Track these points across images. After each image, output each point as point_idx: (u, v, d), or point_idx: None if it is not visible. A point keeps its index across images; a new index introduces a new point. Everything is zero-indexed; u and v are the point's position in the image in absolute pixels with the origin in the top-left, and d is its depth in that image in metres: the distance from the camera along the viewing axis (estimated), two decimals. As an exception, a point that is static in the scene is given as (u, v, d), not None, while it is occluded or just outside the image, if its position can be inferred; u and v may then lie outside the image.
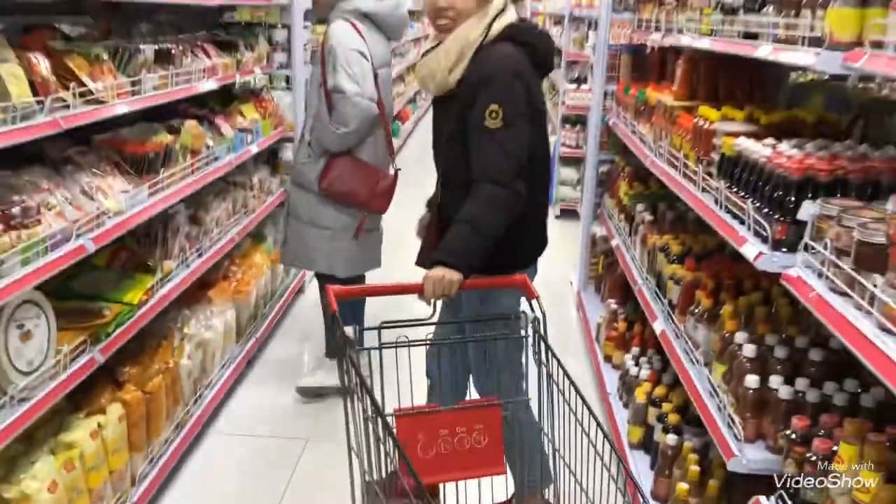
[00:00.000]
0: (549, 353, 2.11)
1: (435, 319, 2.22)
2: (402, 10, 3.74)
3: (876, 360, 1.48)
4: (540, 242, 2.78)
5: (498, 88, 2.37)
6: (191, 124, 3.62)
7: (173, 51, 3.42)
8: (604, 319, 4.21)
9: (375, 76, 3.54)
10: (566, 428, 2.06)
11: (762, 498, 2.05)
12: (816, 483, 1.81)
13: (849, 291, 1.67)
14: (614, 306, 4.17)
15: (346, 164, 3.56)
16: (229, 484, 3.25)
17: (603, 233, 5.08)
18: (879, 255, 1.57)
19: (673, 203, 3.78)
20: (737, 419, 2.27)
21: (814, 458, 1.86)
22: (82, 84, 2.68)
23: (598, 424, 1.97)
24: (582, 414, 1.99)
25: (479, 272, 2.35)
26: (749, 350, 2.30)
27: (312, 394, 3.90)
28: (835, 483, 1.74)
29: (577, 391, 2.02)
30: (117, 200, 2.84)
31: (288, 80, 5.14)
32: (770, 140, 2.32)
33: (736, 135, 2.49)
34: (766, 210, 2.13)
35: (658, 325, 3.13)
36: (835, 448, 1.80)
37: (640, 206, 3.88)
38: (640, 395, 3.24)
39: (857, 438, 1.72)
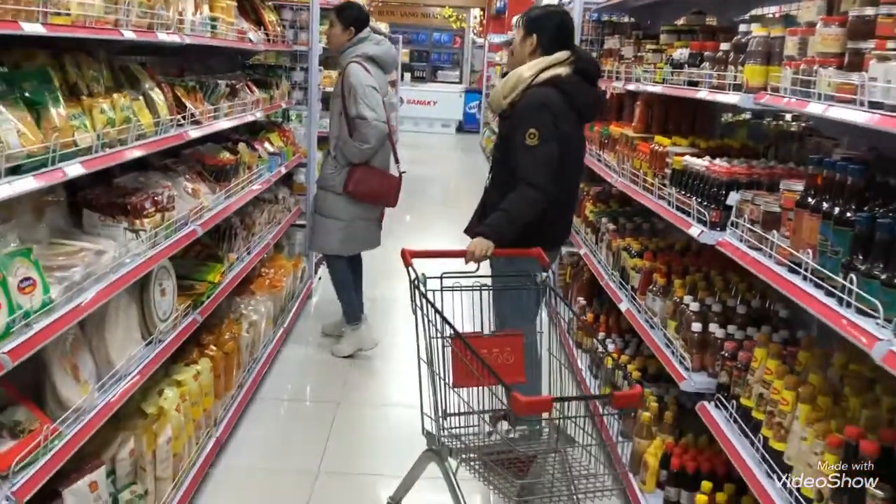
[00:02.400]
0: (557, 298, 2.99)
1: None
2: (393, 51, 5.06)
3: (776, 280, 2.38)
4: (565, 231, 3.77)
5: (536, 117, 3.28)
6: (243, 146, 4.44)
7: (237, 86, 4.24)
8: (573, 315, 5.10)
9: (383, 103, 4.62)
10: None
11: (705, 402, 2.94)
12: (741, 380, 2.70)
13: (759, 245, 2.58)
14: (583, 303, 5.06)
15: (364, 171, 4.67)
16: (280, 433, 4.00)
17: (568, 250, 6.00)
18: (776, 218, 2.48)
19: (631, 216, 4.71)
20: (686, 356, 3.15)
21: (739, 365, 2.75)
22: (185, 108, 3.49)
23: (593, 340, 2.83)
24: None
25: (511, 245, 3.23)
26: (695, 306, 3.20)
27: (348, 352, 4.94)
28: (752, 375, 2.63)
29: (578, 318, 2.92)
30: (208, 200, 3.63)
31: (298, 116, 6.00)
32: (707, 157, 3.25)
33: (683, 154, 3.42)
34: (705, 203, 3.05)
35: (623, 306, 4.02)
36: (752, 359, 2.69)
37: (604, 219, 4.79)
38: (608, 363, 4.11)
39: (765, 343, 2.62)
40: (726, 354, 2.87)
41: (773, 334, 2.87)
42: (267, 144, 5.12)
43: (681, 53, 3.69)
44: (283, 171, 5.14)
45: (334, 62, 7.85)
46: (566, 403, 2.58)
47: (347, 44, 4.74)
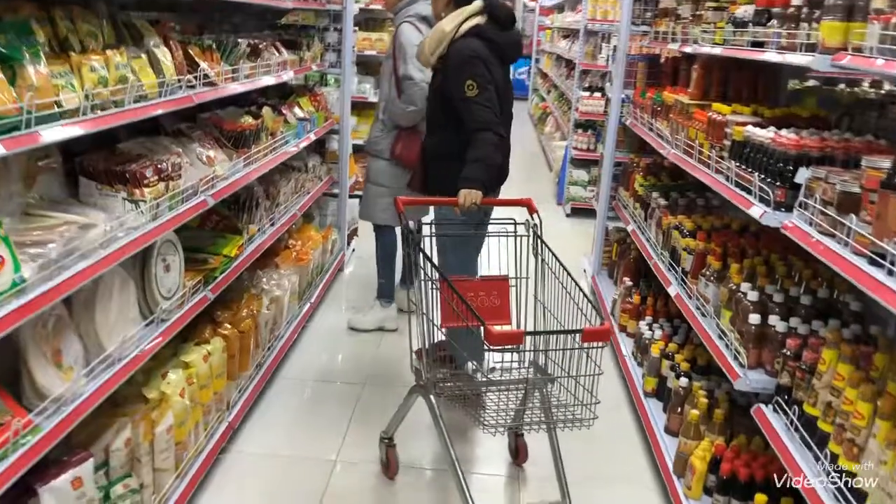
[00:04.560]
0: (544, 246, 3.14)
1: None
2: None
3: (854, 274, 2.03)
4: (503, 174, 3.82)
5: (468, 68, 3.43)
6: (267, 110, 4.17)
7: (260, 45, 3.96)
8: (619, 296, 4.76)
9: None
10: (554, 295, 3.02)
11: (762, 405, 2.60)
12: (805, 383, 2.36)
13: (833, 231, 2.22)
14: (629, 284, 4.72)
15: (411, 136, 4.38)
16: (300, 418, 3.77)
17: (615, 225, 5.65)
18: (854, 201, 2.12)
19: (684, 191, 4.34)
20: (742, 351, 2.81)
21: (803, 366, 2.41)
22: (198, 68, 3.23)
23: (577, 286, 2.87)
24: (567, 282, 2.93)
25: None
26: (753, 296, 2.85)
27: (368, 327, 4.73)
28: (818, 380, 2.29)
29: (562, 265, 2.97)
30: (223, 168, 3.37)
31: (337, 80, 5.71)
32: (772, 128, 2.88)
33: (744, 124, 3.05)
34: (769, 180, 2.68)
35: (673, 290, 3.68)
36: (819, 360, 2.35)
37: (655, 194, 4.43)
38: (654, 351, 3.78)
39: (836, 343, 2.27)
40: (789, 353, 2.53)
41: (843, 329, 2.52)
42: (296, 109, 4.85)
43: (745, 11, 3.28)
44: (313, 137, 4.86)
45: (373, 24, 7.59)
46: (545, 338, 2.77)
47: (400, 4, 4.53)
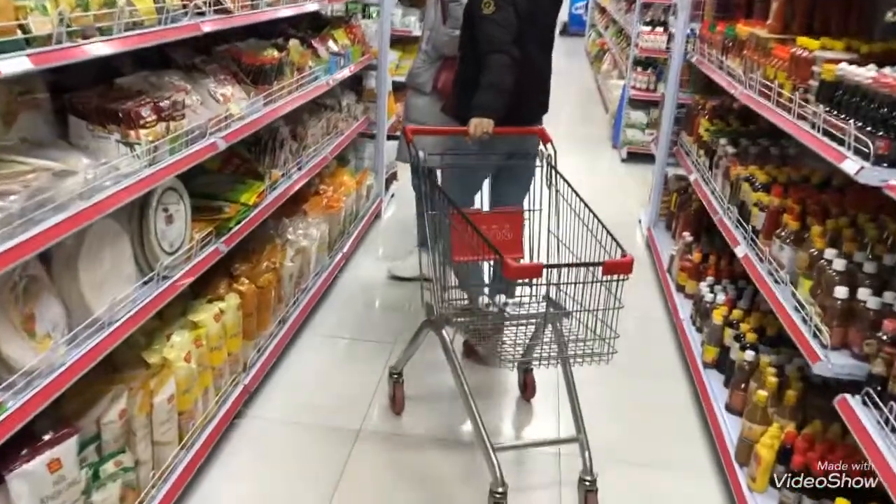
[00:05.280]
0: (558, 176, 2.97)
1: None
2: None
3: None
4: (538, 109, 3.65)
5: None
6: (294, 43, 3.81)
7: (285, -31, 3.57)
8: (677, 252, 4.35)
9: None
10: (570, 228, 2.85)
11: (848, 396, 2.22)
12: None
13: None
14: (689, 239, 4.30)
15: (454, 68, 3.91)
16: (324, 380, 3.49)
17: (675, 172, 5.20)
18: None
19: (755, 138, 3.88)
20: (824, 329, 2.41)
21: (904, 355, 2.01)
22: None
23: (596, 217, 2.69)
24: (581, 210, 2.77)
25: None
26: (839, 264, 2.44)
27: (408, 274, 4.39)
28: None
29: (578, 196, 2.81)
30: (239, 106, 3.04)
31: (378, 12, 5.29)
32: (872, 66, 2.42)
33: (836, 62, 2.59)
34: (867, 129, 2.24)
35: (740, 250, 3.26)
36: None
37: (722, 140, 3.98)
38: (716, 317, 3.39)
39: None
40: (885, 337, 2.13)
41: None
42: (330, 43, 4.47)
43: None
44: (347, 73, 4.49)
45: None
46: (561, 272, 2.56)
47: None
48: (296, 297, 3.69)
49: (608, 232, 2.63)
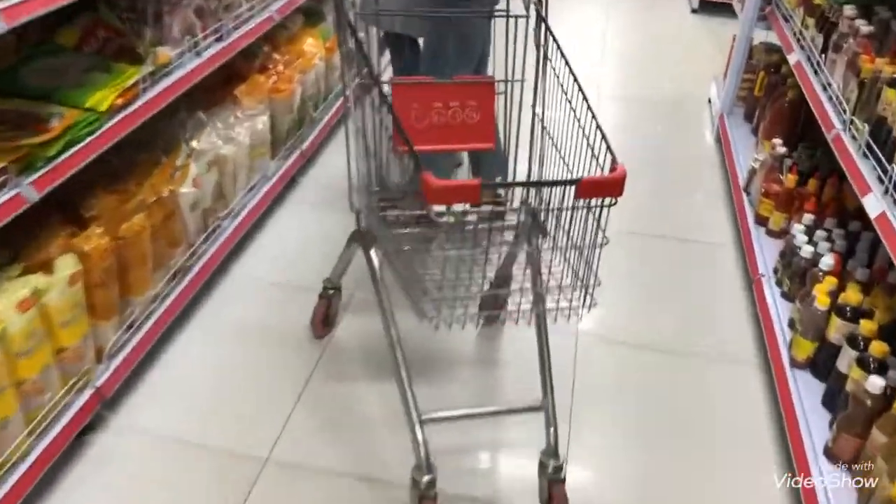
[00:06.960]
0: (548, 34, 2.08)
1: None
2: None
3: None
4: None
5: None
6: None
7: None
8: (761, 165, 3.11)
9: None
10: (556, 110, 2.02)
11: None
12: None
13: None
14: (780, 149, 3.05)
15: None
16: (244, 342, 2.49)
17: (765, 41, 3.84)
18: None
19: (904, 9, 2.54)
20: None
21: None
22: None
23: (589, 107, 1.88)
24: (573, 95, 1.94)
25: None
26: None
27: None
28: None
29: (573, 73, 1.97)
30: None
31: None
32: None
33: None
34: None
35: (871, 203, 2.05)
36: None
37: (848, 9, 2.64)
38: (820, 296, 2.23)
39: None
40: None
41: None
42: None
43: None
44: None
45: None
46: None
47: None
48: (210, 227, 2.62)
49: (599, 128, 1.83)
